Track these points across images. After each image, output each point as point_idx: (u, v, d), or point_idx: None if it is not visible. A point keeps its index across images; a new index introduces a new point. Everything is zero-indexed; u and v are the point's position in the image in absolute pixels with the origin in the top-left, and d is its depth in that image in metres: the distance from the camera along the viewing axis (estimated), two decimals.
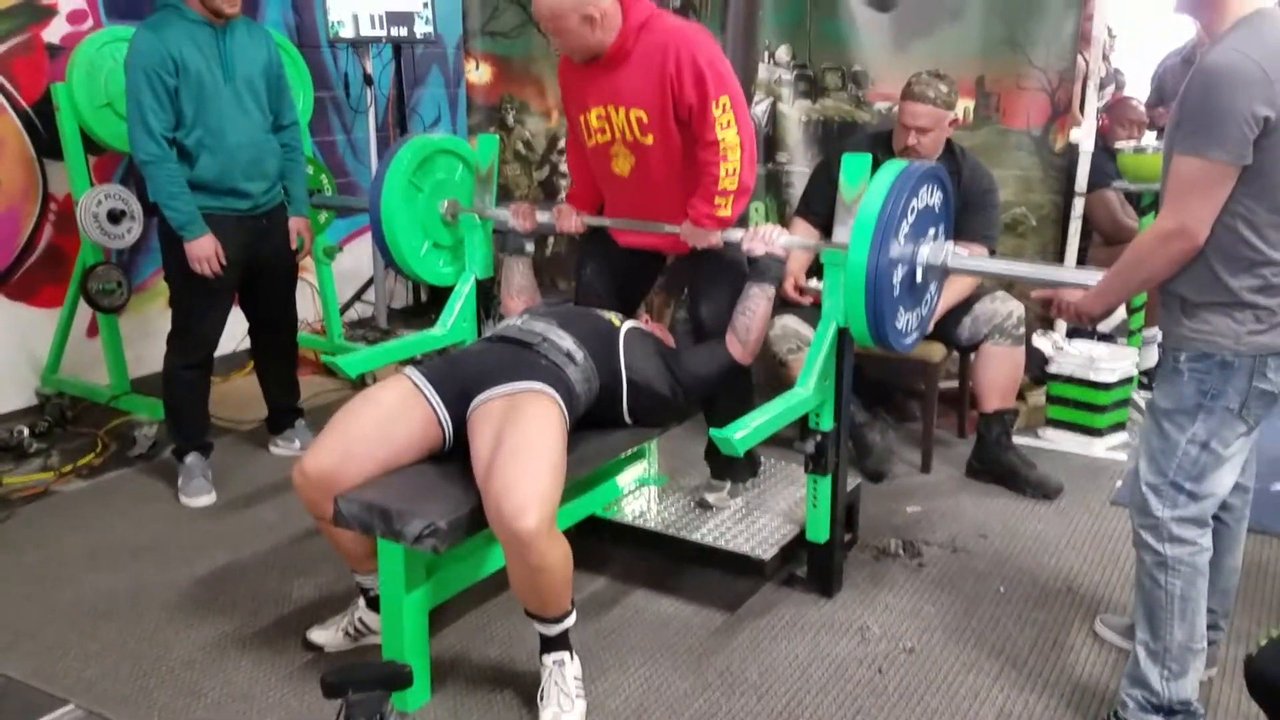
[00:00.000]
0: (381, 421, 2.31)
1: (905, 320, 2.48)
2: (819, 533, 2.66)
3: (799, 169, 4.02)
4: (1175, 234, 1.88)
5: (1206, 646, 2.10)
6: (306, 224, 3.57)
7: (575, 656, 2.27)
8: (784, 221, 3.87)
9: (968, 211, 3.37)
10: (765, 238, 2.60)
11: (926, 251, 2.44)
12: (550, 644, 2.25)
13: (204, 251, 3.18)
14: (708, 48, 2.63)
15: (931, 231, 2.46)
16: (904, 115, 3.29)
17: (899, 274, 2.37)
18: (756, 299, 2.63)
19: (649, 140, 2.69)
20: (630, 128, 2.69)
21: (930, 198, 2.43)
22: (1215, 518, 2.19)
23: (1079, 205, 3.77)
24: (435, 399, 2.35)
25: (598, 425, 2.55)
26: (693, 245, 2.73)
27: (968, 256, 2.52)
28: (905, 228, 2.34)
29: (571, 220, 2.95)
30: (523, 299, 2.98)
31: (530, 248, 3.02)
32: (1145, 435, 2.08)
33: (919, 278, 2.45)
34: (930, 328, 2.72)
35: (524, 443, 2.15)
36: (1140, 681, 2.09)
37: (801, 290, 3.45)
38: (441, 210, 3.16)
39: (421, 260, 3.18)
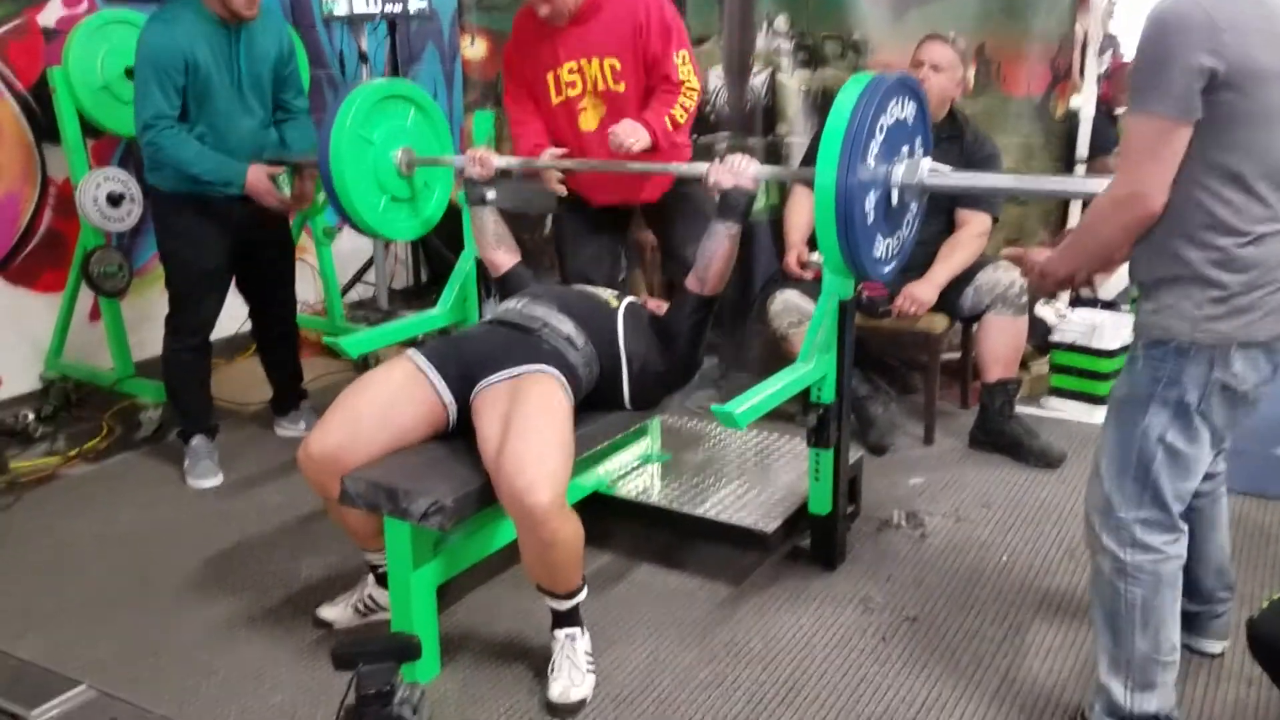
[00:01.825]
0: (385, 403, 2.32)
1: (883, 247, 2.29)
2: (822, 505, 2.67)
3: (799, 140, 4.00)
4: (1127, 199, 1.74)
5: (1178, 658, 1.95)
6: (308, 179, 3.40)
7: (586, 631, 2.30)
8: (784, 195, 3.87)
9: None
10: (734, 168, 2.43)
11: (901, 171, 2.23)
12: (561, 619, 2.27)
13: (261, 185, 3.16)
14: (670, 4, 2.93)
15: (905, 148, 2.26)
16: (919, 52, 3.34)
17: (872, 198, 2.17)
18: (719, 236, 2.46)
19: (621, 88, 2.92)
20: (604, 77, 2.91)
21: (901, 110, 2.21)
22: (1189, 504, 2.09)
23: (1080, 172, 3.76)
24: (439, 381, 2.36)
25: (598, 409, 2.55)
26: (619, 143, 2.84)
27: (948, 171, 2.31)
28: (875, 147, 2.12)
29: (490, 163, 2.79)
30: (503, 248, 2.85)
31: (492, 195, 2.84)
32: (1104, 429, 1.94)
33: (895, 200, 2.24)
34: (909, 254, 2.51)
35: (532, 422, 2.16)
36: (1103, 690, 1.97)
37: (804, 265, 3.45)
38: (396, 161, 2.99)
39: (381, 217, 3.00)
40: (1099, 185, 1.90)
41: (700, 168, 2.51)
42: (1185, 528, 1.92)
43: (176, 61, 3.02)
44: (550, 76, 2.96)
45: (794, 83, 4.03)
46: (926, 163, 2.26)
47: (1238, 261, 1.74)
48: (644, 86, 2.95)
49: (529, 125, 3.10)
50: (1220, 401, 1.81)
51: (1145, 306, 1.84)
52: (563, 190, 3.16)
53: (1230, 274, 1.74)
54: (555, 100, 2.98)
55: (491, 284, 2.95)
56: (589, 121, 2.99)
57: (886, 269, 2.35)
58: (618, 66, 2.92)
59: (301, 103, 3.43)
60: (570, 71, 2.92)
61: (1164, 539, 1.89)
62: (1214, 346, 1.77)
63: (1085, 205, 3.69)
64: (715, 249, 2.48)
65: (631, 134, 2.84)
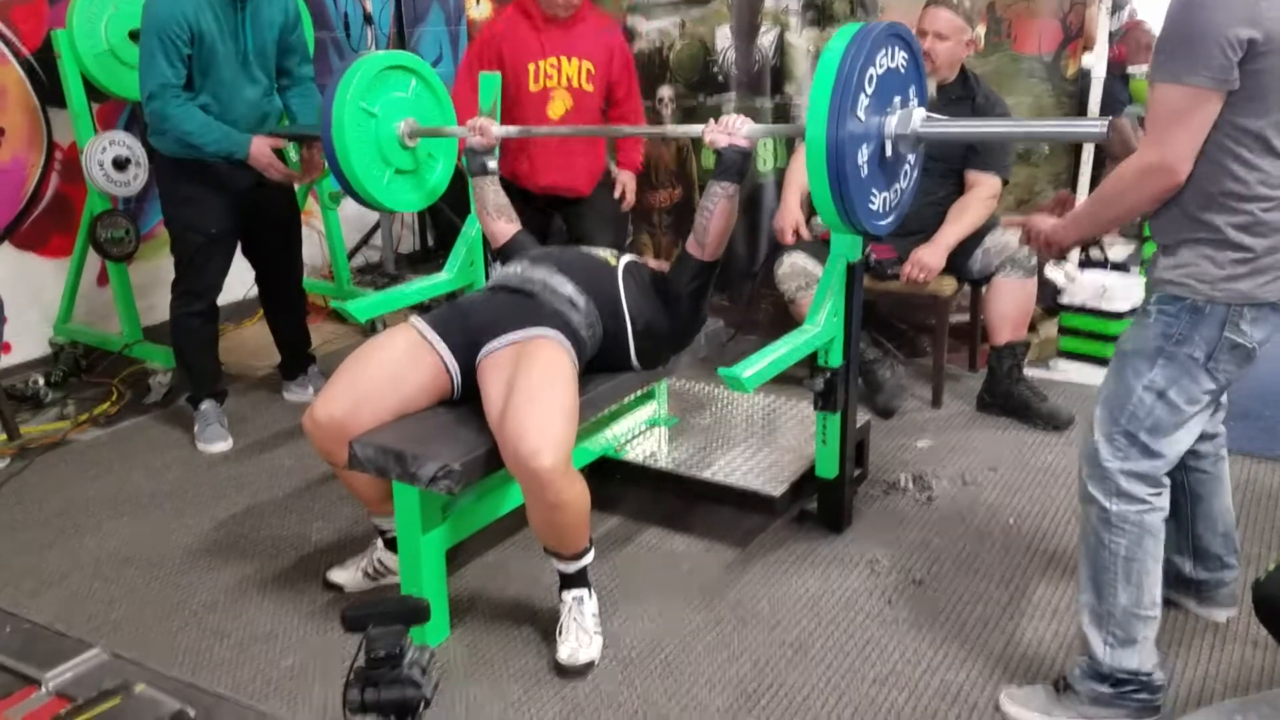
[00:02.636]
0: (390, 369, 2.33)
1: (880, 200, 2.23)
2: (829, 469, 2.68)
3: (807, 101, 3.96)
4: (1156, 168, 1.75)
5: (1158, 614, 1.95)
6: (317, 150, 3.35)
7: (594, 593, 2.31)
8: (790, 150, 3.84)
9: (981, 140, 3.33)
10: (728, 127, 2.40)
11: (894, 121, 2.16)
12: (569, 581, 2.28)
13: (264, 157, 3.16)
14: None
15: (898, 99, 2.19)
16: (923, 20, 3.27)
17: (865, 151, 2.11)
18: (716, 197, 2.43)
19: (590, 89, 3.43)
20: (578, 75, 3.39)
21: (892, 60, 2.15)
22: (1191, 467, 2.14)
23: None
24: (443, 348, 2.36)
25: (605, 371, 2.55)
26: (628, 190, 3.61)
27: (945, 120, 2.26)
28: (864, 99, 2.06)
29: (490, 132, 2.83)
30: (503, 218, 2.83)
31: (493, 164, 2.83)
32: (1105, 379, 1.96)
33: (889, 151, 2.18)
34: (908, 205, 2.42)
35: (536, 386, 2.16)
36: (1084, 646, 1.98)
37: (798, 234, 3.44)
38: (399, 132, 2.97)
39: (385, 189, 2.98)
40: (1095, 126, 1.89)
41: (696, 129, 2.49)
42: (1168, 483, 1.94)
43: (182, 31, 3.00)
44: (532, 66, 3.34)
45: (802, 42, 3.98)
46: (920, 113, 2.20)
47: (1264, 225, 1.76)
48: (604, 97, 3.51)
49: (471, 100, 3.31)
50: (1228, 358, 1.83)
51: (1164, 262, 1.85)
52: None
53: (1255, 238, 1.76)
54: (532, 88, 3.38)
55: (493, 252, 2.94)
56: (556, 110, 3.42)
57: (884, 222, 2.29)
58: (592, 70, 3.41)
59: (307, 70, 3.41)
60: (550, 65, 3.36)
61: (1149, 490, 1.90)
62: (1229, 305, 1.79)
63: (1097, 164, 3.68)
64: (713, 209, 2.45)
65: (630, 182, 3.64)
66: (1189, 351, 1.83)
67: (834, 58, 2.04)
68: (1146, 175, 1.77)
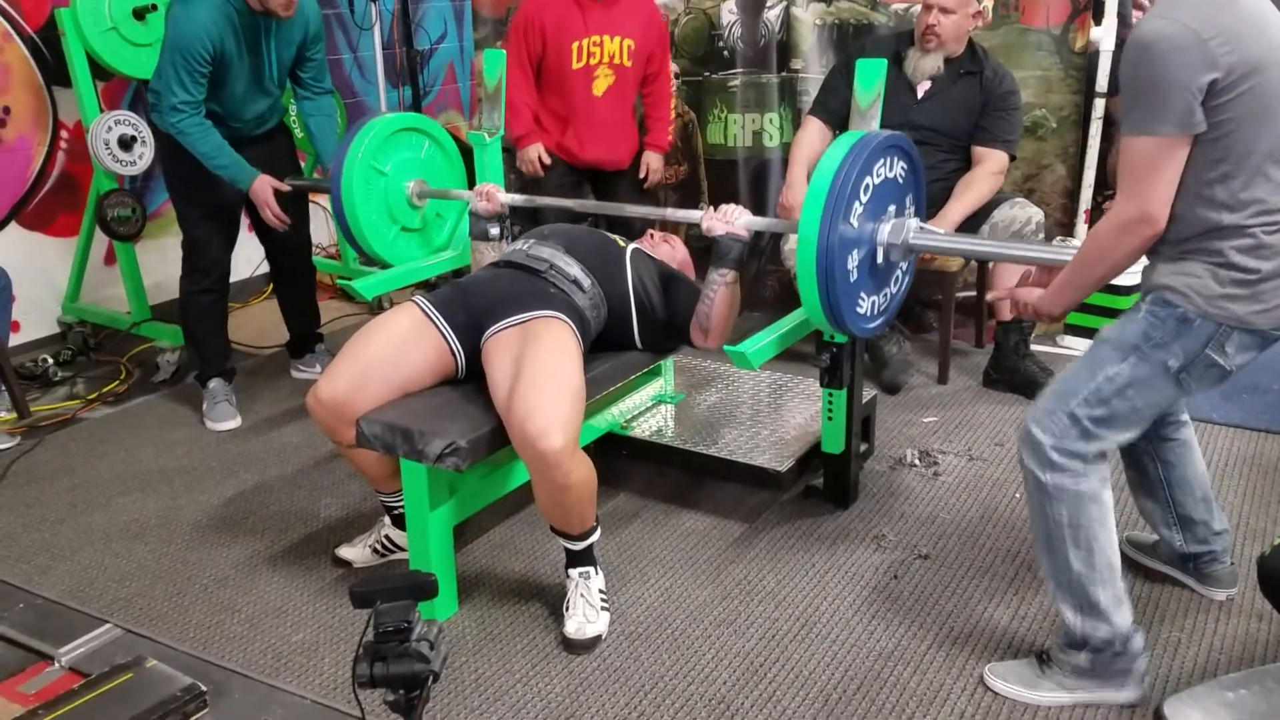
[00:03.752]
0: (394, 349, 2.33)
1: (868, 304, 2.28)
2: (835, 444, 2.68)
3: (814, 76, 3.94)
4: (1135, 221, 1.76)
5: (1115, 576, 1.93)
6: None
7: (600, 570, 2.32)
8: (797, 125, 3.83)
9: (988, 115, 3.32)
10: (725, 217, 2.41)
11: (887, 230, 2.22)
12: (575, 558, 2.29)
13: (262, 195, 3.21)
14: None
15: (892, 208, 2.25)
16: None
17: (855, 256, 2.16)
18: (716, 285, 2.43)
19: (630, 64, 3.50)
20: (620, 53, 3.46)
21: (890, 169, 2.21)
22: (1157, 437, 2.14)
23: (1099, 106, 3.70)
24: (446, 328, 2.36)
25: (611, 350, 2.56)
26: (653, 170, 3.70)
27: (940, 233, 2.31)
28: (859, 206, 2.13)
29: (496, 199, 2.83)
30: None
31: (495, 232, 2.81)
32: (1074, 361, 1.97)
33: (880, 259, 2.23)
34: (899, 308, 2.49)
35: (543, 368, 2.17)
36: (1059, 616, 1.99)
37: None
38: (408, 192, 3.05)
39: (390, 246, 3.06)
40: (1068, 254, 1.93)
41: (694, 215, 2.51)
42: (1103, 461, 1.93)
43: (205, 52, 3.02)
44: (575, 45, 3.40)
45: (809, 17, 3.96)
46: (914, 223, 2.25)
47: (1267, 248, 1.76)
48: (641, 73, 3.58)
49: (528, 94, 3.52)
50: (1201, 374, 1.85)
51: (1165, 267, 1.84)
52: (541, 172, 3.62)
53: (1260, 260, 1.76)
54: (575, 65, 3.44)
55: (505, 229, 2.93)
56: (599, 88, 3.48)
57: (871, 325, 2.33)
58: (633, 46, 3.48)
59: (325, 84, 3.44)
60: (594, 44, 3.41)
61: (1081, 464, 1.90)
62: (1219, 325, 1.79)
63: (1105, 139, 3.66)
64: (714, 298, 2.44)
65: (658, 162, 3.73)
66: (1163, 358, 1.84)
67: (833, 164, 2.10)
68: (1126, 230, 1.78)
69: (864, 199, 2.14)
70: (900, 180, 2.27)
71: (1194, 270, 1.80)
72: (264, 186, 3.21)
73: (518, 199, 2.88)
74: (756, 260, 4.05)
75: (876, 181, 2.16)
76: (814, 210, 2.08)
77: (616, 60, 3.48)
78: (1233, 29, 1.69)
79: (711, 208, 2.46)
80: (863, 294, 2.24)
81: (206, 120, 3.11)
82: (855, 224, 2.13)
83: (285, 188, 3.28)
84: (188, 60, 3.00)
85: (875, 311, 2.32)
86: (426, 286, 3.13)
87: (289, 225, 3.34)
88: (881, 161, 2.17)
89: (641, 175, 3.73)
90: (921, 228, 2.26)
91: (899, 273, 2.39)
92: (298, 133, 3.80)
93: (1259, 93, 1.71)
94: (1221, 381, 1.88)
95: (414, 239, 3.12)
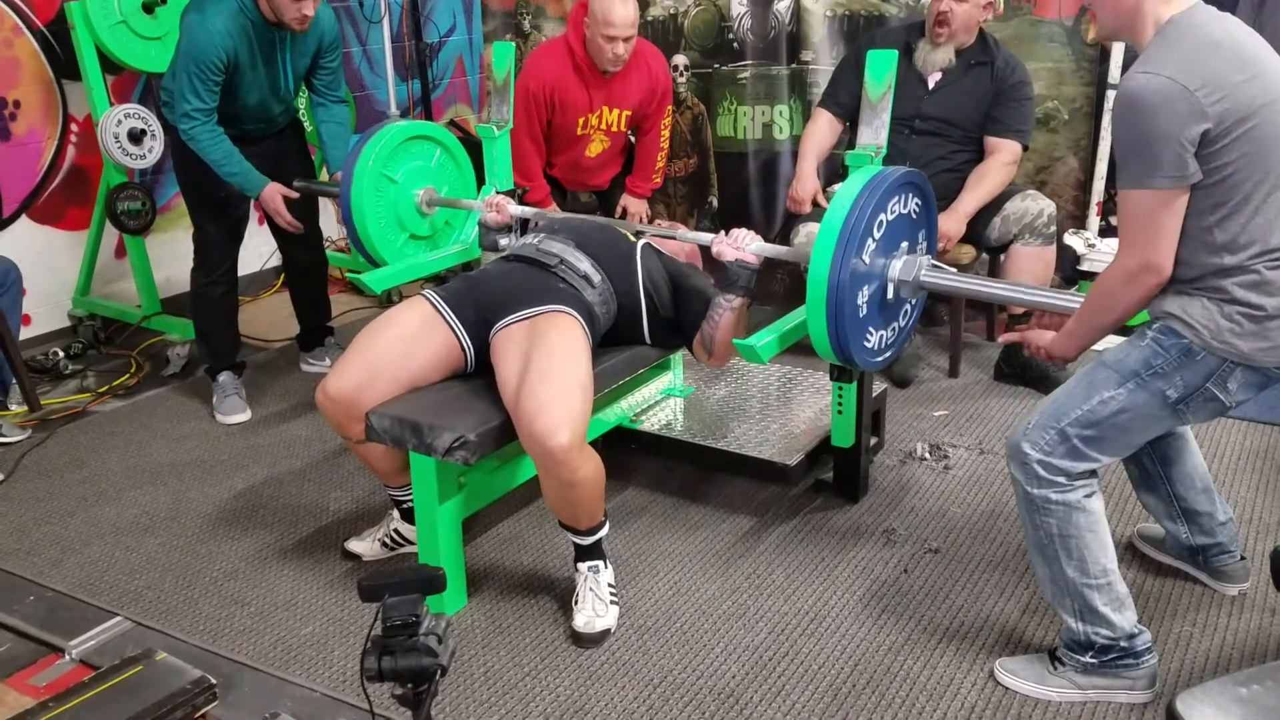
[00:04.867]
0: (403, 343, 2.33)
1: (876, 339, 2.28)
2: (845, 438, 2.67)
3: (824, 68, 3.92)
4: (1139, 271, 1.77)
5: (1112, 579, 1.93)
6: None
7: (609, 564, 2.32)
8: (806, 118, 3.81)
9: (1000, 105, 3.30)
10: (735, 242, 2.38)
11: (899, 267, 2.22)
12: (584, 553, 2.29)
13: (273, 203, 3.22)
14: (668, 70, 3.72)
15: (904, 245, 2.25)
16: None
17: (866, 292, 2.17)
18: (722, 310, 2.41)
19: (622, 128, 3.63)
20: (617, 122, 3.59)
21: (903, 206, 2.21)
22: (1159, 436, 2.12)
23: (1111, 98, 3.67)
24: (455, 322, 2.36)
25: (620, 344, 2.55)
26: (631, 214, 3.78)
27: (952, 273, 2.30)
28: (871, 244, 2.13)
29: (505, 210, 2.88)
30: None
31: (505, 243, 2.80)
32: (1070, 379, 1.97)
33: (890, 295, 2.24)
34: (905, 343, 2.50)
35: (551, 363, 2.16)
36: (1062, 620, 2.00)
37: (816, 206, 3.42)
38: (417, 200, 3.04)
39: (398, 254, 3.06)
40: (1074, 303, 1.94)
41: (706, 237, 2.49)
42: (1095, 473, 1.94)
43: (219, 61, 3.02)
44: (581, 120, 3.52)
45: (819, 8, 3.94)
46: (925, 260, 2.26)
47: (1271, 284, 1.76)
48: (633, 125, 3.70)
49: (539, 162, 3.63)
50: (1200, 407, 1.85)
51: (1173, 299, 1.83)
52: None
53: (1264, 296, 1.76)
54: (579, 133, 3.57)
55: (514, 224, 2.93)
56: (593, 150, 3.64)
57: (878, 359, 2.32)
58: (630, 115, 3.60)
59: (339, 93, 3.45)
60: (598, 117, 3.54)
61: (1066, 478, 1.91)
62: (1223, 360, 1.79)
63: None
64: (717, 321, 2.42)
65: (638, 207, 3.81)
66: (1163, 387, 1.83)
67: (847, 200, 2.09)
68: (1131, 280, 1.79)
69: (877, 236, 2.14)
70: (914, 216, 2.27)
71: (1201, 305, 1.80)
72: (273, 194, 3.22)
73: (528, 211, 2.89)
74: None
75: (890, 218, 2.16)
76: (826, 246, 2.08)
77: (613, 129, 3.59)
78: (1220, 77, 1.69)
79: (723, 231, 2.44)
80: (870, 329, 2.25)
81: (218, 128, 3.12)
82: (867, 260, 2.13)
83: (294, 194, 3.28)
84: (201, 69, 3.01)
85: (883, 345, 2.32)
86: (436, 280, 3.13)
87: (300, 229, 3.35)
88: (896, 199, 2.17)
89: (618, 215, 3.79)
90: (934, 265, 2.26)
91: (908, 308, 2.40)
92: (308, 125, 3.79)
93: (1254, 136, 1.71)
94: (1219, 415, 1.88)
95: (422, 246, 3.12)
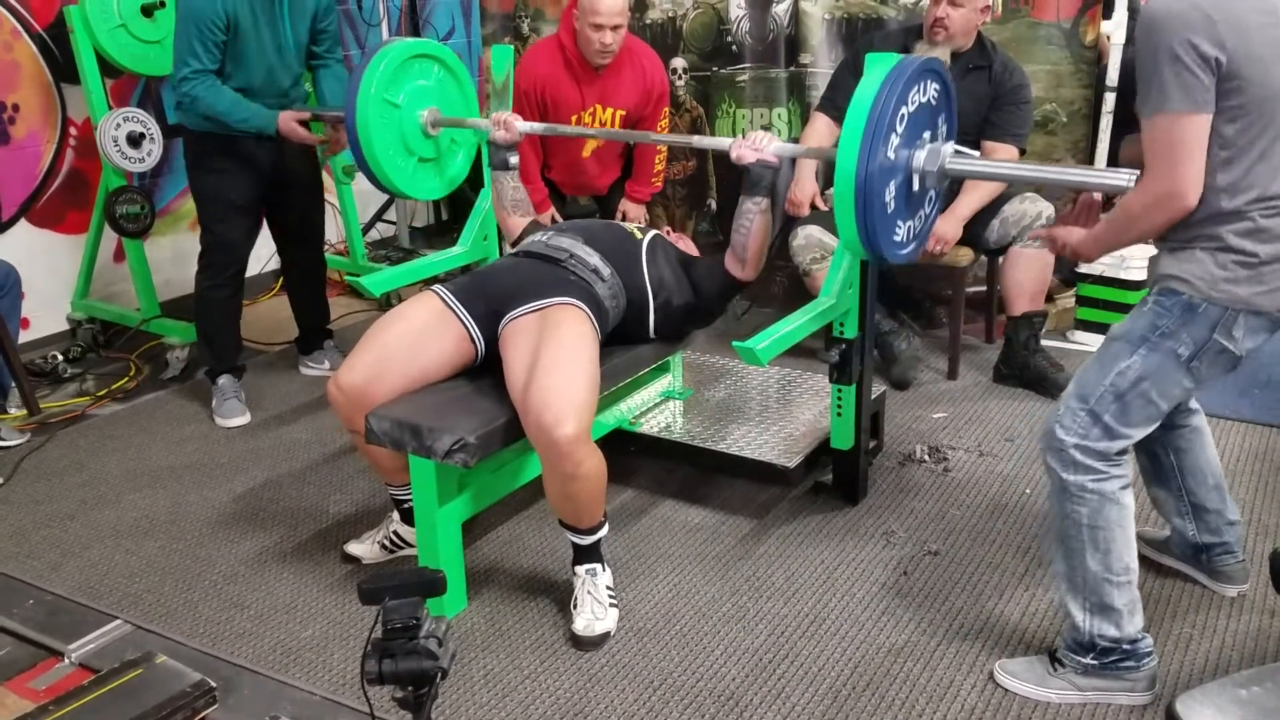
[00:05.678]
0: (414, 337, 2.34)
1: (904, 230, 2.25)
2: (844, 440, 2.67)
3: (822, 71, 3.93)
4: (1164, 196, 1.76)
5: (1132, 579, 1.94)
6: (340, 128, 3.34)
7: (607, 567, 2.32)
8: (805, 121, 3.81)
9: (998, 109, 3.31)
10: (755, 144, 2.38)
11: (922, 156, 2.19)
12: (583, 554, 2.29)
13: (288, 129, 3.20)
14: (664, 70, 3.68)
15: (927, 134, 2.21)
16: None
17: (893, 186, 2.13)
18: (750, 214, 2.43)
19: (618, 127, 3.54)
20: (611, 121, 3.53)
21: (924, 94, 2.17)
22: (1168, 425, 2.13)
23: (1110, 101, 3.68)
24: (466, 316, 2.37)
25: (623, 342, 2.56)
26: (630, 218, 3.72)
27: (975, 156, 2.29)
28: (896, 137, 2.09)
29: (514, 127, 2.81)
30: (518, 213, 2.85)
31: (515, 160, 2.83)
32: (1088, 360, 1.99)
33: (915, 186, 2.21)
34: (928, 238, 2.47)
35: (560, 355, 2.17)
36: (1067, 617, 1.99)
37: (815, 209, 3.43)
38: (421, 120, 2.97)
39: (410, 180, 3.00)
40: (1122, 178, 1.91)
41: (724, 142, 2.48)
42: (1128, 455, 1.95)
43: (218, 19, 3.02)
44: (574, 117, 3.47)
45: (818, 10, 3.94)
46: (948, 148, 2.23)
47: (1265, 232, 1.77)
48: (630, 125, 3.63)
49: (536, 166, 3.62)
50: (1212, 361, 1.85)
51: (1168, 260, 1.86)
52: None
53: (1258, 243, 1.77)
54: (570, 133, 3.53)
55: (510, 244, 2.93)
56: (588, 149, 3.64)
57: (905, 251, 2.30)
58: (624, 115, 3.54)
59: (337, 53, 3.45)
60: (588, 115, 3.49)
61: (1104, 462, 1.91)
62: (1224, 309, 1.80)
63: (1115, 133, 3.64)
64: (749, 226, 2.44)
65: (637, 213, 3.76)
66: (1173, 346, 1.85)
67: (869, 94, 2.05)
68: (1155, 207, 1.79)
69: (900, 129, 2.10)
70: (933, 103, 2.22)
71: (1195, 258, 1.81)
72: (288, 121, 3.20)
73: (537, 127, 2.90)
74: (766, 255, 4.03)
75: (911, 110, 2.13)
76: (852, 142, 2.04)
77: (608, 128, 3.54)
78: (1243, 17, 1.70)
79: (741, 135, 2.44)
80: (899, 222, 2.22)
81: (217, 81, 3.11)
82: (892, 156, 2.09)
83: (306, 115, 3.24)
84: (200, 28, 3.01)
85: (910, 236, 2.30)
86: (435, 283, 3.13)
87: (321, 142, 3.35)
88: (916, 88, 2.13)
89: (618, 218, 3.75)
90: (957, 151, 2.23)
91: (933, 194, 2.36)
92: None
93: (1268, 81, 1.71)
94: (1233, 368, 1.89)
95: (430, 168, 3.06)
